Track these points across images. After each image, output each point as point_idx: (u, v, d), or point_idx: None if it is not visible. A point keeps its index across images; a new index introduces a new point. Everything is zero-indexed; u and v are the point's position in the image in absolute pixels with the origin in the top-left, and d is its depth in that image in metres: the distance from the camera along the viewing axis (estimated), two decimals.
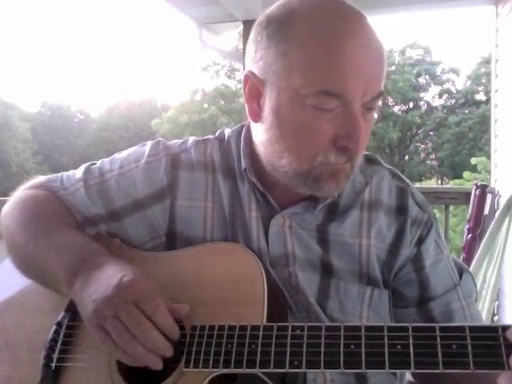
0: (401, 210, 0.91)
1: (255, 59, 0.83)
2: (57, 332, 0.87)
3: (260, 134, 0.86)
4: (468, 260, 2.74)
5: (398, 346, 0.66)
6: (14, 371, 0.88)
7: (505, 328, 0.64)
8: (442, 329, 0.67)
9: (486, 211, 2.92)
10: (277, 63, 0.79)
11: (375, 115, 0.85)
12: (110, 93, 68.59)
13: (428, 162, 28.71)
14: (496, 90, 3.56)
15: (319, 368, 0.68)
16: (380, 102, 0.86)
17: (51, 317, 0.88)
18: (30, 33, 64.12)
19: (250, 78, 0.83)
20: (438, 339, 0.66)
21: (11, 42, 60.95)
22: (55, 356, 0.85)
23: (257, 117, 0.85)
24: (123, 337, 0.71)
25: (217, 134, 1.00)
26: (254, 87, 0.83)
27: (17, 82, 61.16)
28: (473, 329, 0.65)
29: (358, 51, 0.76)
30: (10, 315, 0.94)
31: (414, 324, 0.68)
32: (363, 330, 0.69)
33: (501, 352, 0.62)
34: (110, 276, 0.76)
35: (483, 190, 2.87)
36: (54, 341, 0.86)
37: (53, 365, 0.84)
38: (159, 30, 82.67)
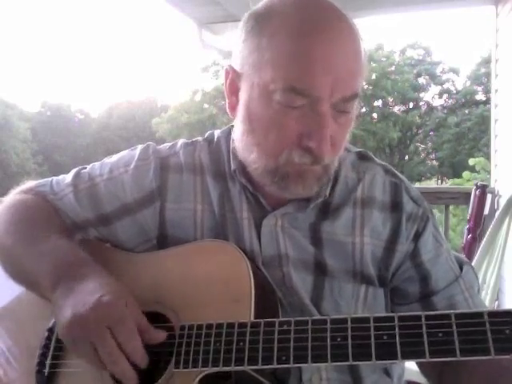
0: (395, 206, 0.90)
1: (235, 53, 0.84)
2: (49, 338, 0.86)
3: (236, 127, 0.87)
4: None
5: (385, 337, 0.66)
6: (12, 378, 0.88)
7: (491, 313, 0.63)
8: (428, 317, 0.66)
9: (486, 211, 2.92)
10: (252, 56, 0.79)
11: (353, 118, 0.82)
12: (110, 93, 68.64)
13: (428, 162, 28.66)
14: (496, 90, 3.56)
15: (307, 362, 0.68)
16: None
17: (46, 323, 0.88)
18: (30, 33, 64.14)
19: (229, 71, 0.84)
20: (424, 328, 0.65)
21: (11, 42, 60.97)
22: (47, 362, 0.84)
23: (234, 110, 0.86)
24: (93, 361, 0.73)
25: (206, 136, 1.00)
26: (233, 81, 0.84)
27: (17, 82, 61.20)
28: (458, 316, 0.64)
29: (325, 47, 0.75)
30: (9, 322, 0.94)
31: (399, 314, 0.68)
32: (349, 322, 0.68)
33: (487, 338, 0.61)
34: (90, 291, 0.75)
35: (483, 190, 2.87)
36: (46, 347, 0.86)
37: (45, 371, 0.84)
38: (159, 31, 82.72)
